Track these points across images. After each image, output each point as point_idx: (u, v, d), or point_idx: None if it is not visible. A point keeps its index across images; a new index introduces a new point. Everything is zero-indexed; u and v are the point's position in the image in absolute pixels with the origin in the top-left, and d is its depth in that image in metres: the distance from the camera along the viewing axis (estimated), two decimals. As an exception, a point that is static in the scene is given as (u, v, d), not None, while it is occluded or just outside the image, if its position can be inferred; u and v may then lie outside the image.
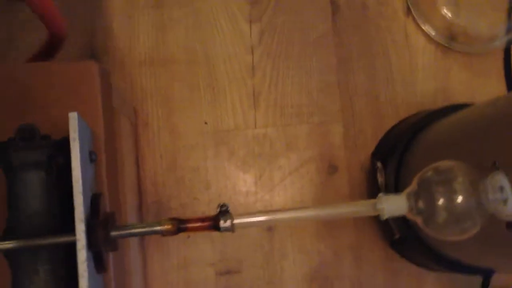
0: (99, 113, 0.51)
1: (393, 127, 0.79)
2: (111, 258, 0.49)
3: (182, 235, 0.55)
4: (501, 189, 0.46)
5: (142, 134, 0.77)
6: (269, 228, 0.77)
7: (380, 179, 0.72)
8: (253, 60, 0.80)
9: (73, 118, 0.40)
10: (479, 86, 0.82)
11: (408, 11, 0.82)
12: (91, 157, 0.46)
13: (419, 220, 0.47)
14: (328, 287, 0.77)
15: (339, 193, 0.79)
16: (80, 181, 0.40)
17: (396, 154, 0.70)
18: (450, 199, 0.46)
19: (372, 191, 0.77)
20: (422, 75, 0.82)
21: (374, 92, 0.81)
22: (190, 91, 0.79)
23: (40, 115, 0.49)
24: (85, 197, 0.41)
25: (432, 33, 0.82)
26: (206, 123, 0.79)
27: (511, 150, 0.48)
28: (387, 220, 0.56)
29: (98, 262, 0.43)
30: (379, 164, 0.73)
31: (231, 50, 0.80)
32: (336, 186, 0.79)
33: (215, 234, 0.76)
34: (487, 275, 0.72)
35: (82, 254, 0.39)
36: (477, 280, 0.75)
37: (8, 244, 0.41)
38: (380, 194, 0.47)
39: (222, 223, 0.44)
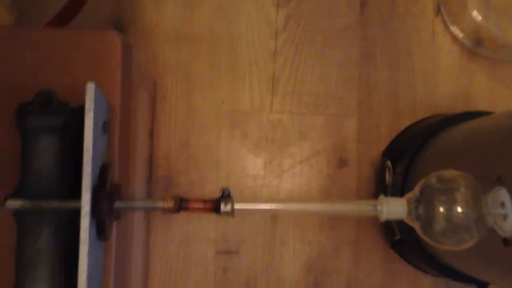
0: (117, 85, 0.52)
1: (408, 128, 0.78)
2: (114, 226, 0.51)
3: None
4: (503, 204, 0.46)
5: (160, 107, 0.78)
6: (272, 214, 0.78)
7: (388, 178, 0.72)
8: (276, 45, 0.80)
9: (90, 88, 0.41)
10: (501, 95, 0.81)
11: (438, 11, 0.81)
12: (104, 128, 0.47)
13: (417, 226, 0.48)
14: (324, 279, 0.78)
15: (346, 188, 0.79)
16: (91, 151, 0.41)
17: (407, 156, 0.70)
18: (450, 209, 0.46)
19: (380, 189, 0.78)
20: (444, 78, 0.81)
21: (393, 89, 0.81)
22: (210, 69, 0.79)
23: (59, 81, 0.50)
24: (94, 167, 0.43)
25: (460, 35, 0.80)
26: (223, 103, 0.79)
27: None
28: (389, 221, 0.57)
29: (101, 230, 0.45)
30: (388, 163, 0.73)
31: (255, 33, 0.80)
32: (344, 180, 0.79)
33: (220, 213, 0.78)
34: (482, 285, 0.72)
35: (85, 221, 0.41)
36: (474, 288, 0.76)
37: (15, 204, 0.42)
38: (381, 196, 0.48)
39: (222, 207, 0.45)
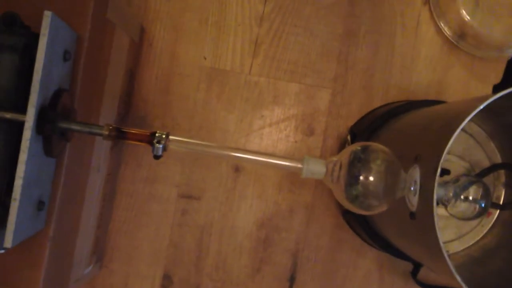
0: (87, 19, 0.56)
1: (376, 109, 0.81)
2: (66, 148, 0.56)
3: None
4: (415, 182, 0.49)
5: (145, 53, 0.83)
6: (236, 169, 0.83)
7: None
8: (264, 10, 0.83)
9: (46, 16, 0.46)
10: (475, 90, 0.83)
11: (426, 0, 0.83)
12: (65, 56, 0.52)
13: (333, 188, 0.52)
14: (275, 235, 0.83)
15: (309, 155, 0.83)
16: (40, 73, 0.46)
17: (365, 134, 0.73)
18: (364, 177, 0.50)
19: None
20: (422, 66, 0.83)
21: (370, 69, 0.83)
22: (198, 24, 0.83)
23: (28, 9, 0.54)
24: (44, 87, 0.48)
25: (444, 27, 0.82)
26: (205, 58, 0.83)
27: (429, 147, 0.51)
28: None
29: (47, 146, 0.50)
30: (348, 138, 0.77)
31: (247, -5, 0.83)
32: (309, 148, 0.83)
33: (188, 159, 0.83)
34: (416, 264, 0.76)
35: (27, 133, 0.46)
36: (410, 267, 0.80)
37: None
38: (305, 156, 0.52)
39: (157, 140, 0.50)
